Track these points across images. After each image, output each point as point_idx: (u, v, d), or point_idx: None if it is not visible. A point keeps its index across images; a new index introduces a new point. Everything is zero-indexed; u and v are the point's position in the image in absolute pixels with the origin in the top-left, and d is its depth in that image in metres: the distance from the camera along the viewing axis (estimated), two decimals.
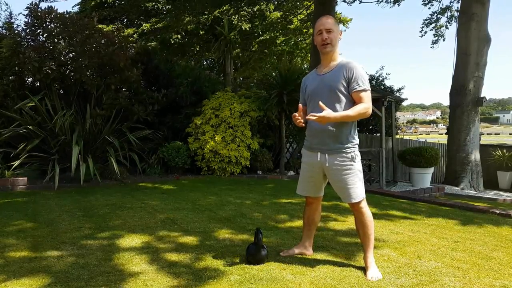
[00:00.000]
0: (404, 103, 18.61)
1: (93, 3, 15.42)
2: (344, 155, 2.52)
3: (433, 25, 14.44)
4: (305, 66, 17.87)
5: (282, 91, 7.37)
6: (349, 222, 3.94)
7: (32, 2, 6.91)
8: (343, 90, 2.48)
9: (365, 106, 2.43)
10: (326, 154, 2.55)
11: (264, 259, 2.68)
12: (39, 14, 6.82)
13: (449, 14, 13.98)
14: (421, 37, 15.14)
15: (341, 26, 18.71)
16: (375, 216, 4.23)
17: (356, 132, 2.60)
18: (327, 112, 2.38)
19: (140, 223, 3.81)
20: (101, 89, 7.11)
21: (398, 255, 2.94)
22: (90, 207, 4.56)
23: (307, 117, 2.43)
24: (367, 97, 2.45)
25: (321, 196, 2.83)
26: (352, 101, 2.50)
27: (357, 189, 2.53)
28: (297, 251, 2.89)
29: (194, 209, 4.49)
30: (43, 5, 7.16)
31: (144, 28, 14.68)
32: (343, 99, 2.48)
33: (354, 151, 2.54)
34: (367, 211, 2.59)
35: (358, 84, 2.44)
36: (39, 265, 2.65)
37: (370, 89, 2.49)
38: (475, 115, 9.62)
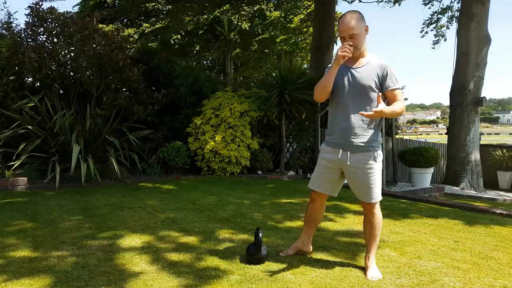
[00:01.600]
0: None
1: (92, 2, 15.43)
2: (367, 154, 2.48)
3: (433, 25, 14.44)
4: (305, 66, 17.88)
5: (283, 91, 7.37)
6: (349, 222, 3.94)
7: (34, 1, 6.91)
8: (374, 87, 2.44)
9: (403, 103, 2.44)
10: (348, 152, 2.49)
11: (264, 259, 2.68)
12: (40, 13, 6.83)
13: (449, 14, 13.98)
14: (422, 37, 15.15)
15: None
16: None
17: (380, 132, 2.56)
18: (383, 106, 2.32)
19: (140, 223, 3.81)
20: (101, 89, 7.11)
21: (398, 255, 2.94)
22: (90, 207, 4.56)
23: (361, 112, 2.35)
24: (401, 95, 2.48)
25: (328, 195, 2.73)
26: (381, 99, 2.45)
27: (377, 189, 2.53)
28: (292, 252, 2.87)
29: (194, 209, 4.49)
30: (45, 5, 7.14)
31: (144, 28, 14.68)
32: (373, 96, 2.44)
33: (377, 151, 2.52)
34: (379, 212, 2.60)
35: (393, 82, 2.44)
36: (39, 265, 2.65)
37: (401, 88, 2.51)
38: (475, 115, 9.62)
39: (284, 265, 2.66)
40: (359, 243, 3.20)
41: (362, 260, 2.78)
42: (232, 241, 3.22)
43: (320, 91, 2.54)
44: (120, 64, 6.96)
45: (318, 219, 2.85)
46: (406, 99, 13.54)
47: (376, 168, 2.51)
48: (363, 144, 2.47)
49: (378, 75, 2.44)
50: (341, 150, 2.52)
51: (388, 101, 2.48)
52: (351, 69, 2.50)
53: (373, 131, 2.49)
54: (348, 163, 2.50)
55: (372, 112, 2.31)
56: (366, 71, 2.46)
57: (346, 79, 2.50)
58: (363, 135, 2.46)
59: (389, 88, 2.43)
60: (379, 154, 2.52)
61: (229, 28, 13.10)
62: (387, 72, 2.43)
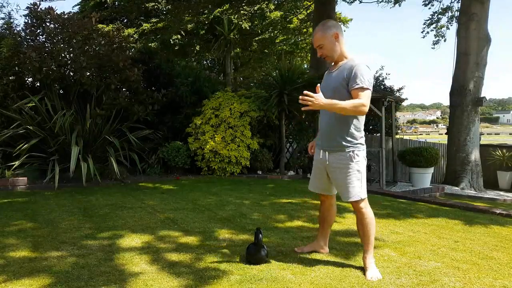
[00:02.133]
0: (404, 103, 18.58)
1: (92, 3, 15.42)
2: (342, 154, 2.54)
3: (434, 25, 14.44)
4: (305, 66, 17.88)
5: (282, 91, 7.37)
6: (349, 222, 3.94)
7: (32, 2, 6.91)
8: (342, 89, 2.48)
9: (361, 101, 2.38)
10: (327, 152, 2.60)
11: (264, 259, 2.69)
12: (38, 14, 6.82)
13: (449, 14, 13.98)
14: (423, 37, 15.15)
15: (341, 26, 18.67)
16: (375, 216, 4.23)
17: (359, 132, 2.56)
18: (319, 95, 2.35)
19: (140, 223, 3.81)
20: (101, 89, 7.11)
21: (398, 255, 2.94)
22: (90, 207, 4.56)
23: (300, 98, 2.36)
24: (364, 94, 2.40)
25: (332, 195, 2.82)
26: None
27: (354, 188, 2.53)
28: (308, 250, 2.93)
29: (194, 209, 4.49)
30: (43, 5, 7.13)
31: (144, 28, 14.68)
32: (347, 98, 2.44)
33: (353, 150, 2.53)
34: (368, 211, 2.59)
35: (356, 82, 2.41)
36: (39, 265, 2.65)
37: (369, 88, 2.42)
38: (475, 115, 9.62)
39: (284, 265, 2.66)
40: (359, 243, 3.20)
41: (362, 261, 2.79)
42: (232, 241, 3.22)
43: None
44: (120, 65, 6.97)
45: (329, 220, 2.92)
46: (406, 99, 13.55)
47: (353, 168, 2.52)
48: (338, 145, 2.54)
49: (346, 76, 2.47)
50: (321, 151, 2.64)
51: None
52: (329, 73, 2.63)
53: (349, 132, 2.52)
54: (327, 162, 2.60)
55: (310, 103, 2.31)
56: (337, 73, 2.54)
57: (324, 83, 2.63)
58: (338, 135, 2.53)
59: (352, 88, 2.43)
60: (357, 155, 2.53)
61: (229, 28, 13.09)
62: (354, 73, 2.43)
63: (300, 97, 2.34)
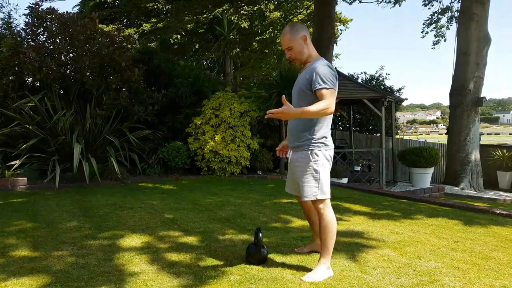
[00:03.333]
0: (404, 103, 18.59)
1: (92, 3, 15.42)
2: (303, 153, 2.52)
3: (433, 25, 14.45)
4: None
5: (282, 91, 7.36)
6: (349, 222, 3.94)
7: (34, 1, 6.91)
8: (306, 90, 2.49)
9: (326, 102, 2.35)
10: (291, 151, 2.63)
11: (264, 259, 2.68)
12: (40, 14, 6.82)
13: (449, 14, 13.99)
14: (422, 37, 15.16)
15: (341, 26, 18.71)
16: (375, 216, 4.24)
17: (321, 131, 2.51)
18: (285, 108, 2.32)
19: (140, 223, 3.81)
20: (101, 89, 7.11)
21: (398, 255, 2.94)
22: (90, 207, 4.56)
23: (267, 113, 2.38)
24: (327, 94, 2.37)
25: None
26: (316, 98, 2.44)
27: (310, 188, 2.48)
28: (307, 250, 2.94)
29: (194, 209, 4.49)
30: (44, 6, 7.13)
31: (144, 28, 14.68)
32: (311, 99, 2.44)
33: (312, 150, 2.49)
34: (326, 214, 2.49)
35: (318, 83, 2.40)
36: (39, 265, 2.65)
37: (332, 87, 2.39)
38: (475, 115, 9.62)
39: (284, 265, 2.65)
40: (359, 243, 3.20)
41: (362, 260, 2.79)
42: (232, 241, 3.22)
43: None
44: (122, 65, 6.97)
45: (315, 219, 2.84)
46: (406, 99, 13.56)
47: (310, 167, 2.49)
48: (299, 144, 2.54)
49: (308, 77, 2.47)
50: (289, 150, 2.66)
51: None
52: (299, 75, 2.64)
53: (309, 131, 2.50)
54: (290, 161, 2.64)
55: (272, 113, 2.34)
56: (302, 75, 2.55)
57: (294, 86, 2.65)
58: (299, 135, 2.54)
59: (315, 89, 2.43)
60: (317, 154, 2.50)
61: (229, 28, 13.10)
62: (315, 74, 2.42)
63: (267, 112, 2.36)
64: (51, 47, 6.85)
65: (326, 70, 2.42)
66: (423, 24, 14.51)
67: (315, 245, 2.91)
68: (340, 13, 18.51)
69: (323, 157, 2.52)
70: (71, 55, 6.99)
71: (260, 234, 2.66)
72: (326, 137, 2.53)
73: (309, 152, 2.50)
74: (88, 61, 6.60)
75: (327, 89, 2.38)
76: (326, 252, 2.49)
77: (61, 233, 3.41)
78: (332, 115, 2.53)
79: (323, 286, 2.34)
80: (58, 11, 6.98)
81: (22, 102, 6.41)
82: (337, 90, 2.46)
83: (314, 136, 2.50)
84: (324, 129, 2.52)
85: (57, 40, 6.88)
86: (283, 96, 2.38)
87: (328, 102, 2.36)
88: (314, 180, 2.49)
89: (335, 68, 9.28)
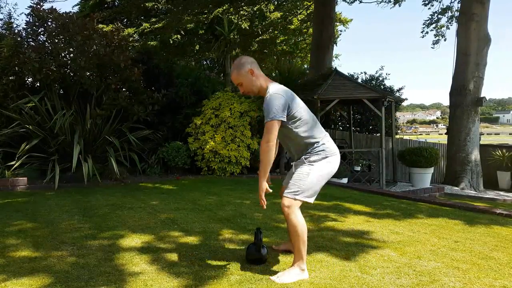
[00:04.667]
0: (404, 103, 18.59)
1: (92, 2, 15.42)
2: (301, 160, 2.57)
3: (433, 25, 14.46)
4: (305, 66, 17.89)
5: None
6: (349, 222, 3.94)
7: (35, 1, 6.91)
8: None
9: (263, 142, 2.42)
10: (293, 166, 2.67)
11: (264, 259, 2.68)
12: (41, 14, 6.82)
13: (449, 14, 14.00)
14: (422, 37, 15.18)
15: (341, 26, 18.71)
16: (375, 216, 4.24)
17: (314, 141, 2.53)
18: (259, 191, 2.54)
19: (140, 223, 3.81)
20: (101, 89, 7.11)
21: (398, 255, 2.94)
22: (90, 207, 4.56)
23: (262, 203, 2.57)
24: (267, 128, 2.40)
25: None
26: (288, 125, 2.48)
27: (295, 187, 2.48)
28: (283, 248, 2.96)
29: (194, 209, 4.49)
30: (45, 6, 7.14)
31: (144, 28, 14.68)
32: (282, 128, 2.48)
33: (308, 157, 2.52)
34: (293, 218, 2.44)
35: (266, 116, 2.43)
36: (39, 265, 2.65)
37: (270, 119, 2.38)
38: (475, 115, 9.63)
39: (284, 265, 2.65)
40: (359, 243, 3.21)
41: (362, 261, 2.79)
42: (232, 241, 3.22)
43: None
44: (121, 66, 6.96)
45: None
46: (406, 99, 13.56)
47: (304, 168, 2.52)
48: (297, 158, 2.62)
49: (263, 112, 2.52)
50: (293, 166, 2.71)
51: (288, 127, 2.53)
52: None
53: (302, 150, 2.56)
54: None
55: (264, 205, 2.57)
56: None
57: None
58: (297, 153, 2.61)
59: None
60: (313, 160, 2.52)
61: (229, 28, 13.09)
62: (264, 108, 2.47)
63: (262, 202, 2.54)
64: (51, 47, 6.84)
65: (271, 102, 2.41)
66: (423, 24, 14.52)
67: (290, 244, 2.84)
68: (340, 13, 18.53)
69: (317, 162, 2.52)
70: (70, 55, 6.98)
71: (260, 234, 2.66)
72: (324, 150, 2.53)
73: (305, 158, 2.54)
74: (84, 62, 6.59)
75: (266, 122, 2.41)
76: (298, 256, 2.46)
77: (61, 233, 3.41)
78: (312, 125, 2.54)
79: (323, 286, 2.34)
80: (60, 11, 6.98)
81: (21, 102, 6.41)
82: (280, 117, 2.39)
83: (311, 147, 2.53)
84: (317, 138, 2.53)
85: (56, 40, 6.88)
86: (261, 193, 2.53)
87: (265, 138, 2.40)
88: (301, 180, 2.48)
89: (335, 69, 9.28)
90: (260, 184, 2.49)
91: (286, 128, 2.49)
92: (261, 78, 2.58)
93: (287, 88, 2.57)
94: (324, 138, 2.57)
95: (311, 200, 2.51)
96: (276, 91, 2.46)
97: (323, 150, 2.53)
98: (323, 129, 2.65)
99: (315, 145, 2.53)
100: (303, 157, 2.55)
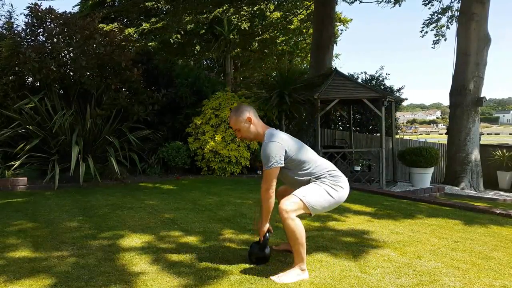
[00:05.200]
0: (404, 103, 18.58)
1: (91, 2, 15.41)
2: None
3: (433, 25, 14.45)
4: (305, 66, 17.89)
5: (283, 91, 7.37)
6: (350, 222, 3.94)
7: (33, 2, 6.91)
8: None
9: (263, 190, 2.51)
10: None
11: (267, 258, 2.68)
12: (39, 14, 6.82)
13: (449, 14, 13.99)
14: (422, 37, 15.17)
15: (341, 26, 18.71)
16: (375, 216, 4.24)
17: (318, 171, 2.59)
18: (261, 231, 2.61)
19: (140, 223, 3.81)
20: (101, 89, 7.11)
21: (398, 255, 2.94)
22: (90, 207, 4.56)
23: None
24: (267, 175, 2.49)
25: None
26: (288, 168, 2.56)
27: (303, 191, 2.51)
28: (283, 248, 2.96)
29: (194, 209, 4.49)
30: (44, 5, 7.13)
31: (144, 27, 14.68)
32: (282, 170, 2.55)
33: (321, 180, 2.58)
34: (290, 223, 2.43)
35: (264, 165, 2.51)
36: (39, 265, 2.65)
37: (269, 167, 2.47)
38: (475, 115, 9.62)
39: (284, 265, 2.65)
40: (359, 243, 3.21)
41: (362, 261, 2.79)
42: (232, 241, 3.22)
43: None
44: (122, 65, 6.96)
45: None
46: (406, 99, 13.56)
47: (311, 183, 2.58)
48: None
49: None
50: None
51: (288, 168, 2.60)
52: None
53: (309, 178, 2.60)
54: None
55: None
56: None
57: None
58: (300, 184, 2.63)
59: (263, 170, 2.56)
60: (320, 181, 2.58)
61: (229, 28, 13.09)
62: (262, 154, 2.55)
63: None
64: (51, 47, 6.84)
65: (267, 150, 2.50)
66: (423, 23, 14.52)
67: (289, 244, 2.87)
68: (341, 13, 18.53)
69: (330, 183, 2.57)
70: (70, 55, 6.98)
71: (267, 234, 2.64)
72: (334, 170, 2.63)
73: (320, 179, 2.60)
74: (85, 62, 6.59)
75: (265, 170, 2.51)
76: (297, 257, 2.48)
77: (61, 233, 3.41)
78: (311, 161, 2.59)
79: (323, 286, 2.34)
80: (58, 11, 6.98)
81: (22, 103, 6.41)
82: (278, 164, 2.48)
83: (322, 175, 2.60)
84: (319, 166, 2.60)
85: (55, 40, 6.88)
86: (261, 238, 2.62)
87: (265, 185, 2.49)
88: (311, 188, 2.53)
89: (335, 69, 9.28)
90: (261, 231, 2.62)
91: (288, 170, 2.58)
92: (258, 125, 2.68)
93: (283, 133, 2.65)
94: (331, 168, 2.63)
95: (314, 211, 2.54)
96: (272, 138, 2.53)
97: (332, 176, 2.60)
98: (328, 162, 2.69)
99: (322, 175, 2.59)
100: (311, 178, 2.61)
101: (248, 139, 2.70)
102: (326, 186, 2.56)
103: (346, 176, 2.74)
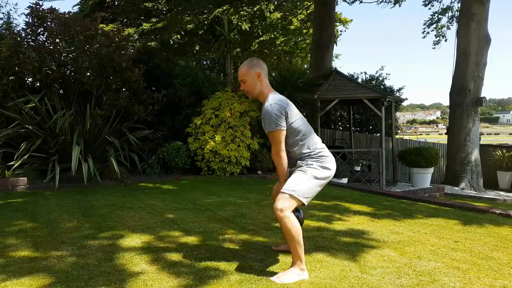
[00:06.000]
0: (404, 103, 18.60)
1: (91, 2, 15.42)
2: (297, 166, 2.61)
3: (434, 25, 14.46)
4: (305, 66, 17.90)
5: (283, 91, 7.36)
6: (349, 222, 3.94)
7: (34, 1, 6.91)
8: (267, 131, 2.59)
9: (272, 151, 2.53)
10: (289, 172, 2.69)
11: (301, 221, 2.62)
12: (40, 13, 6.82)
13: (450, 14, 14.00)
14: (423, 38, 15.18)
15: (341, 26, 18.71)
16: (375, 216, 4.24)
17: (312, 149, 2.58)
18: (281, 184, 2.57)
19: (140, 223, 3.81)
20: (101, 89, 7.11)
21: (398, 255, 2.94)
22: (90, 207, 4.56)
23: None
24: (272, 137, 2.50)
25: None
26: (288, 133, 2.55)
27: (291, 182, 2.49)
28: (283, 248, 2.95)
29: (194, 209, 4.49)
30: (45, 5, 7.14)
31: (144, 28, 14.68)
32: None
33: (305, 160, 2.57)
34: (286, 221, 2.43)
35: (266, 127, 2.52)
36: (39, 265, 2.65)
37: (274, 129, 2.47)
38: (475, 115, 9.63)
39: (284, 265, 2.65)
40: (359, 243, 3.21)
41: (362, 261, 2.79)
42: (232, 241, 3.22)
43: None
44: (123, 65, 6.96)
45: None
46: (406, 99, 13.56)
47: (300, 169, 2.56)
48: (294, 165, 2.64)
49: (263, 120, 2.58)
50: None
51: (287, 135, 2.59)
52: None
53: (304, 154, 2.58)
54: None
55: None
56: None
57: None
58: (294, 160, 2.63)
59: (266, 132, 2.56)
60: (309, 162, 2.56)
61: (229, 28, 13.10)
62: (263, 118, 2.54)
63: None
64: (51, 47, 6.84)
65: (270, 112, 2.48)
66: (424, 24, 14.52)
67: (287, 245, 2.87)
68: (340, 13, 18.53)
69: (315, 166, 2.55)
70: (71, 55, 6.98)
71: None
72: (316, 151, 2.59)
73: (303, 160, 2.58)
74: (88, 62, 6.59)
75: (271, 132, 2.50)
76: (295, 257, 2.47)
77: (61, 233, 3.41)
78: (305, 133, 2.58)
79: (323, 286, 2.34)
80: (59, 11, 6.98)
81: (20, 100, 6.40)
82: (283, 126, 2.49)
83: (308, 154, 2.57)
84: (315, 145, 2.60)
85: (57, 40, 6.88)
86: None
87: (274, 148, 2.52)
88: (297, 178, 2.51)
89: (335, 69, 9.28)
90: (282, 183, 2.56)
91: (288, 134, 2.55)
92: (265, 85, 2.64)
93: (285, 98, 2.63)
94: (319, 146, 2.62)
95: (306, 200, 2.51)
96: (276, 101, 2.53)
97: (319, 156, 2.58)
98: (319, 138, 2.70)
99: (311, 153, 2.58)
100: (298, 161, 2.59)
101: (250, 94, 2.66)
102: (312, 169, 2.53)
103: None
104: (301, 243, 2.46)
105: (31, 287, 2.31)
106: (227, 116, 7.59)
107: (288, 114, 2.51)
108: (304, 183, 2.49)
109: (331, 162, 2.60)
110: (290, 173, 2.61)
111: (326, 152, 2.63)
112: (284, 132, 2.50)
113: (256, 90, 2.63)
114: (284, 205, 2.43)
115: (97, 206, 4.61)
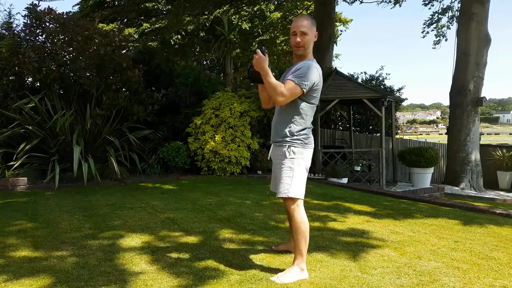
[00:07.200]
0: (404, 103, 18.59)
1: (91, 2, 15.42)
2: (280, 149, 2.53)
3: (434, 25, 14.45)
4: None
5: None
6: (349, 222, 3.94)
7: (31, 2, 6.91)
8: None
9: (282, 90, 2.37)
10: (272, 146, 2.61)
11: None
12: (38, 14, 6.82)
13: (450, 14, 13.99)
14: (423, 37, 15.18)
15: (341, 26, 18.71)
16: (375, 216, 4.24)
17: (300, 127, 2.50)
18: (262, 56, 2.38)
19: (140, 223, 3.81)
20: (101, 89, 7.11)
21: (398, 255, 2.94)
22: (90, 207, 4.56)
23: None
24: (289, 87, 2.39)
25: None
26: (300, 102, 2.47)
27: (283, 184, 2.46)
28: (283, 248, 2.95)
29: (194, 209, 4.49)
30: (43, 5, 7.13)
31: (144, 28, 14.68)
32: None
33: (289, 146, 2.48)
34: (298, 216, 2.45)
35: (293, 75, 2.43)
36: (39, 265, 2.65)
37: (298, 84, 2.38)
38: (475, 115, 9.63)
39: (284, 266, 2.65)
40: (359, 243, 3.21)
41: (362, 260, 2.79)
42: (232, 241, 3.22)
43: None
44: (123, 66, 6.96)
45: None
46: (406, 99, 13.55)
47: (285, 164, 2.48)
48: (279, 139, 2.54)
49: (293, 70, 2.48)
50: (271, 145, 2.63)
51: (296, 100, 2.50)
52: (287, 69, 2.64)
53: (288, 125, 2.50)
54: (270, 156, 2.63)
55: (257, 57, 2.39)
56: (290, 70, 2.54)
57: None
58: (279, 130, 2.54)
59: (286, 78, 2.45)
60: (293, 151, 2.48)
61: (229, 28, 13.09)
62: (296, 69, 2.46)
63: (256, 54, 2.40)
64: (51, 47, 6.84)
65: (309, 72, 2.42)
66: (424, 24, 14.52)
67: (290, 245, 2.87)
68: (341, 13, 18.53)
69: (299, 155, 2.50)
70: (70, 55, 6.98)
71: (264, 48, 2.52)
72: (306, 134, 2.53)
73: (286, 148, 2.50)
74: (85, 63, 6.58)
75: (294, 84, 2.40)
76: (299, 254, 2.46)
77: (61, 233, 3.41)
78: (312, 114, 2.55)
79: (323, 286, 2.34)
80: (57, 11, 6.97)
81: (22, 102, 6.41)
82: (307, 90, 2.42)
83: (293, 133, 2.50)
84: (303, 126, 2.51)
85: (55, 40, 6.87)
86: (258, 49, 2.43)
87: (284, 91, 2.38)
88: (288, 177, 2.47)
89: (335, 69, 9.29)
90: (264, 64, 2.41)
91: (299, 102, 2.49)
92: (312, 46, 2.56)
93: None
94: (309, 127, 2.57)
95: (302, 195, 2.52)
96: (319, 70, 2.50)
97: (304, 138, 2.52)
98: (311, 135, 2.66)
99: (299, 131, 2.51)
100: (285, 141, 2.50)
101: (301, 49, 2.50)
102: (296, 159, 2.47)
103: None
104: (307, 239, 2.47)
105: (31, 287, 2.31)
106: (227, 116, 7.59)
107: (315, 89, 2.48)
108: (293, 182, 2.46)
109: (310, 149, 2.56)
110: (274, 155, 2.57)
111: (309, 132, 2.56)
112: (299, 93, 2.41)
113: (308, 48, 2.53)
114: (292, 201, 2.47)
115: (97, 206, 4.61)
